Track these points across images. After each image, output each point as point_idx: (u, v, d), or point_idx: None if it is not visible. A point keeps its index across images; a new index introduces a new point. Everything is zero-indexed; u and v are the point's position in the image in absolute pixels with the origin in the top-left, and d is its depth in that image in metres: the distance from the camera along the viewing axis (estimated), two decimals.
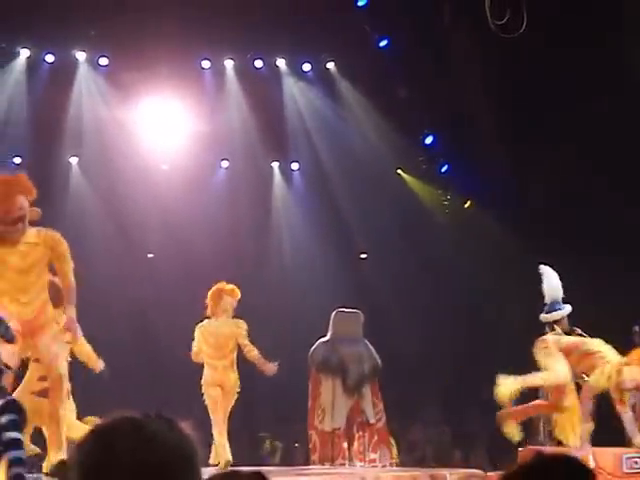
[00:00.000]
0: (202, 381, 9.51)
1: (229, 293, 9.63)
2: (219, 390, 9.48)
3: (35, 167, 15.53)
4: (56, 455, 6.63)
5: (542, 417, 9.83)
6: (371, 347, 10.70)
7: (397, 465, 11.01)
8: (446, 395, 15.44)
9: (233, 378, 9.50)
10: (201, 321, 9.74)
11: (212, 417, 9.35)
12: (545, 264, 10.39)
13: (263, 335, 15.22)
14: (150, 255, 16.50)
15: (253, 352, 9.48)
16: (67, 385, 6.81)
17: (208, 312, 9.68)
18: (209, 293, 9.65)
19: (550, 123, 14.43)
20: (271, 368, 9.48)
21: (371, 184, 16.37)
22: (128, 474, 1.74)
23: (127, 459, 1.74)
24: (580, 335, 10.08)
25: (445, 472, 8.97)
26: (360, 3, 15.68)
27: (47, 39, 15.34)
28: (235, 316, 9.70)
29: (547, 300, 10.18)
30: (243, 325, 9.62)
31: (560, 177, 14.38)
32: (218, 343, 9.51)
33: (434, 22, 15.20)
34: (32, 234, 6.62)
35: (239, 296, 9.68)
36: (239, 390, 9.55)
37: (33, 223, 6.72)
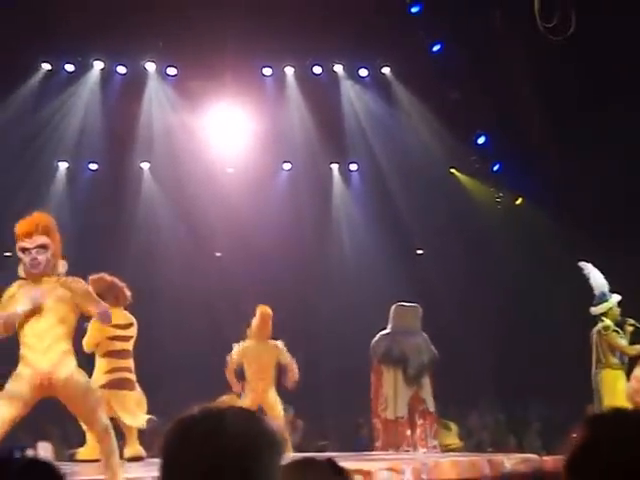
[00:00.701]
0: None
1: (271, 318, 9.96)
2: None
3: (109, 173, 16.48)
4: None
5: (595, 405, 10.30)
6: (428, 340, 11.02)
7: (445, 451, 11.27)
8: (498, 384, 15.83)
9: (272, 396, 9.87)
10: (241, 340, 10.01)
11: None
12: (585, 261, 10.88)
13: (325, 328, 16.03)
14: (218, 254, 17.01)
15: (294, 368, 9.91)
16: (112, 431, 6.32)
17: (250, 334, 9.93)
18: (258, 317, 9.85)
19: (599, 123, 14.56)
20: (293, 377, 9.93)
21: (425, 183, 16.62)
22: (209, 462, 1.82)
23: (209, 448, 1.82)
24: (633, 325, 10.61)
25: (502, 457, 9.34)
26: (413, 10, 16.06)
27: (119, 52, 15.86)
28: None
29: (596, 292, 10.77)
30: (281, 345, 9.98)
31: (609, 176, 14.64)
32: (261, 366, 9.86)
33: (485, 26, 15.42)
34: (52, 279, 6.28)
35: None
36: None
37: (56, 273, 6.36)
